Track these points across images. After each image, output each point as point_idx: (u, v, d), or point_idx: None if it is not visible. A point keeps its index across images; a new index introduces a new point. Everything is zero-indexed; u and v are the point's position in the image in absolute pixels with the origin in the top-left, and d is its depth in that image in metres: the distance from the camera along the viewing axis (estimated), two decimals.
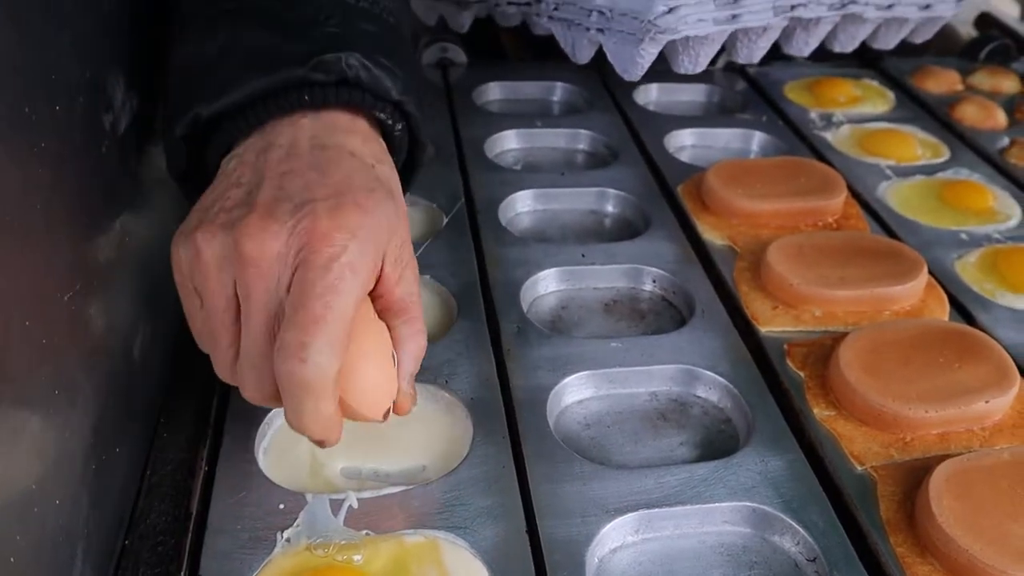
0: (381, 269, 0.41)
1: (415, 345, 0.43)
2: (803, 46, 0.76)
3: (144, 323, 0.47)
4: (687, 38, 0.67)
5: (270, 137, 0.43)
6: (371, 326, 0.41)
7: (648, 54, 0.68)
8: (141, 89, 0.48)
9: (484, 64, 0.91)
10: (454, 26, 0.87)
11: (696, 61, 0.71)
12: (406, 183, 0.49)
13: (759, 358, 0.53)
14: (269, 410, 0.47)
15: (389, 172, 0.44)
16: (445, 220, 0.64)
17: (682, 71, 0.73)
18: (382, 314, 0.43)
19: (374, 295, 0.42)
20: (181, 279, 0.41)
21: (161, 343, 0.50)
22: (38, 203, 0.34)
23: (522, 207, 0.69)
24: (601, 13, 0.69)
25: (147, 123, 0.49)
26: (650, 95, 0.89)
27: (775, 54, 0.84)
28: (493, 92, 0.87)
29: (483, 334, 0.54)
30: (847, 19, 0.75)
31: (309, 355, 0.37)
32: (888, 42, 0.80)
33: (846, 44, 0.77)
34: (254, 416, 0.47)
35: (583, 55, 0.73)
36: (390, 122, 0.46)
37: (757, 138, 0.80)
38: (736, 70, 0.92)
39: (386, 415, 0.42)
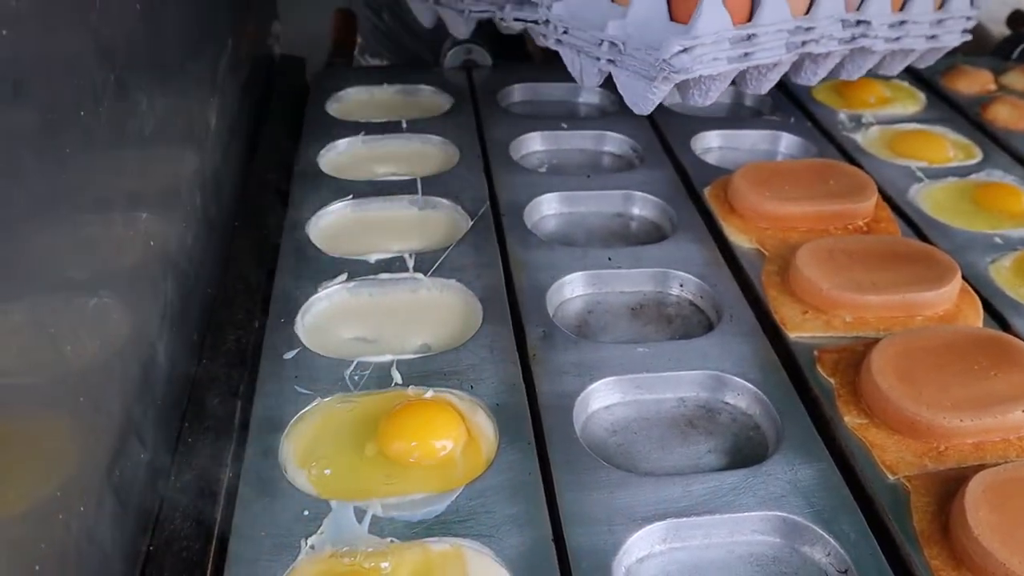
0: None
1: None
2: (812, 76, 0.75)
3: (168, 327, 0.47)
4: (701, 75, 0.67)
5: None
6: None
7: (660, 92, 0.66)
8: (165, 93, 0.48)
9: (509, 66, 0.90)
10: (454, 32, 0.86)
11: (707, 95, 0.70)
12: None
13: (788, 364, 0.52)
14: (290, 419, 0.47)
15: None
16: (470, 223, 0.64)
17: (692, 103, 0.72)
18: None
19: None
20: None
21: (185, 348, 0.50)
22: (63, 208, 0.34)
23: (548, 210, 0.69)
24: (613, 45, 0.67)
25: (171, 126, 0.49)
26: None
27: None
28: (518, 94, 0.87)
29: (509, 339, 0.53)
30: (855, 51, 0.74)
31: None
32: (893, 69, 0.79)
33: (853, 73, 0.76)
34: (279, 421, 0.46)
35: (591, 81, 0.72)
36: None
37: (785, 140, 0.79)
38: None
39: None
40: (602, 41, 0.68)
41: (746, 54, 0.67)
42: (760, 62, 0.69)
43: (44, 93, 0.33)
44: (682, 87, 0.71)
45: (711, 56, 0.65)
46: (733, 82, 0.73)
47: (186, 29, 0.55)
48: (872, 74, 0.83)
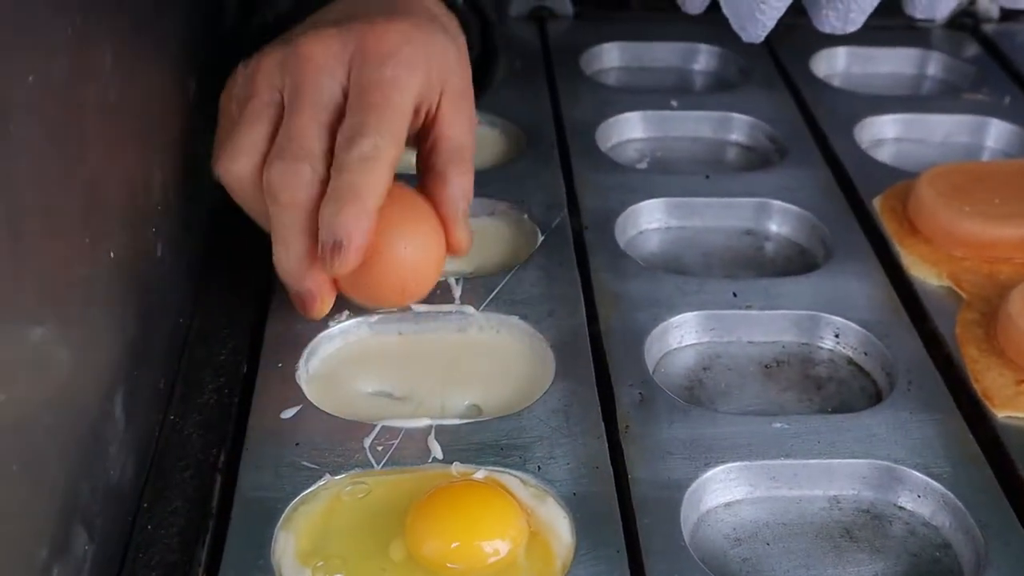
0: (438, 106, 0.57)
1: (461, 179, 0.57)
2: None
3: (128, 372, 0.49)
4: None
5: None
6: (414, 204, 0.56)
7: (772, 8, 0.67)
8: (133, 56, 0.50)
9: (597, 17, 0.92)
10: None
11: (847, 17, 0.71)
12: (481, 82, 0.65)
13: (993, 455, 0.52)
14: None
15: (454, 26, 0.62)
16: (540, 238, 0.65)
17: (827, 30, 0.72)
18: (431, 155, 0.58)
19: (427, 135, 0.58)
20: (226, 101, 0.58)
21: (149, 400, 0.52)
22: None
23: (648, 223, 0.70)
24: None
25: None
26: (835, 64, 0.89)
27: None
28: (610, 57, 0.89)
29: (591, 402, 0.54)
30: None
31: (368, 133, 0.52)
32: None
33: None
34: (272, 506, 0.48)
35: (695, 4, 0.74)
36: None
37: (995, 129, 0.79)
38: (966, 28, 0.91)
39: (408, 297, 0.57)
40: None
41: None
42: None
43: None
44: (812, 6, 0.71)
45: None
46: (897, 14, 0.72)
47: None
48: None
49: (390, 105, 0.54)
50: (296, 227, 0.54)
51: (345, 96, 0.55)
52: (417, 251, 0.56)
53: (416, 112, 0.56)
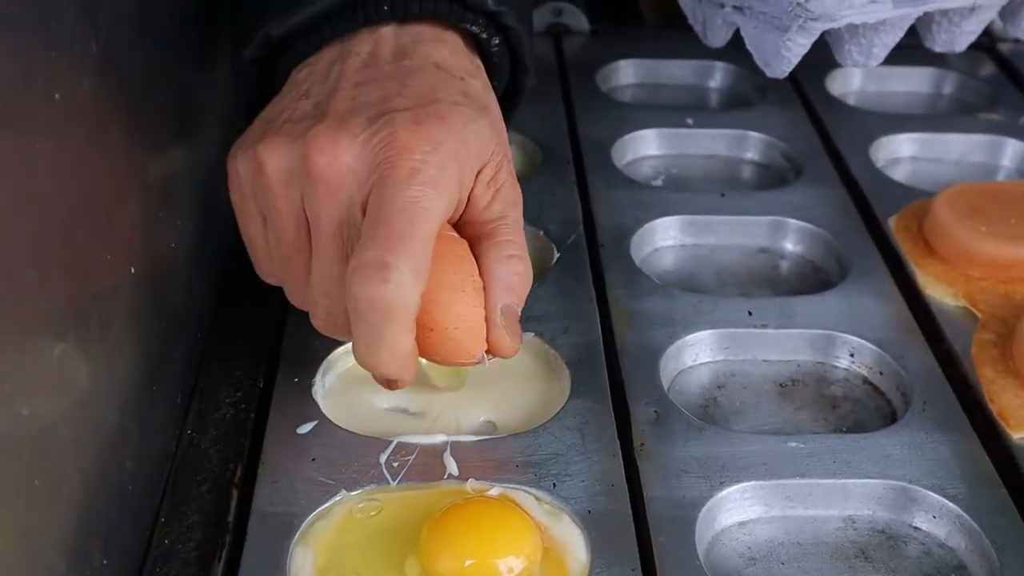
0: (472, 191, 0.50)
1: (505, 270, 0.51)
2: None
3: (145, 387, 0.49)
4: (854, 24, 0.68)
5: (347, 47, 0.53)
6: (457, 263, 0.50)
7: (798, 46, 0.68)
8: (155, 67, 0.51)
9: (613, 33, 0.93)
10: None
11: (869, 52, 0.71)
12: (507, 113, 0.57)
13: (1009, 476, 0.52)
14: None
15: (482, 88, 0.53)
16: (556, 255, 0.66)
17: (850, 65, 0.72)
18: (473, 242, 0.51)
19: (463, 220, 0.51)
20: (240, 200, 0.51)
21: (165, 415, 0.52)
22: (27, 222, 0.37)
23: (664, 240, 0.70)
24: None
25: None
26: (851, 82, 0.89)
27: None
28: (626, 73, 0.89)
29: (606, 420, 0.54)
30: None
31: (391, 275, 0.45)
32: None
33: None
34: (288, 521, 0.48)
35: (717, 37, 0.74)
36: (484, 36, 0.55)
37: (1011, 149, 0.79)
38: (982, 47, 0.91)
39: (475, 359, 0.50)
40: None
41: None
42: (947, 5, 0.69)
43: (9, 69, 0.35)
44: (835, 41, 0.71)
45: None
46: (912, 35, 0.73)
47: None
48: None
49: (415, 231, 0.46)
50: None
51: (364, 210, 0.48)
52: (465, 326, 0.50)
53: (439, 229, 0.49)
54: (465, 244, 0.51)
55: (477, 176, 0.50)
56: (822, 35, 0.69)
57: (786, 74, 0.71)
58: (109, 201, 0.45)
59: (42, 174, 0.38)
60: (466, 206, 0.51)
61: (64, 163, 0.40)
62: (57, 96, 0.38)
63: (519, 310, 0.52)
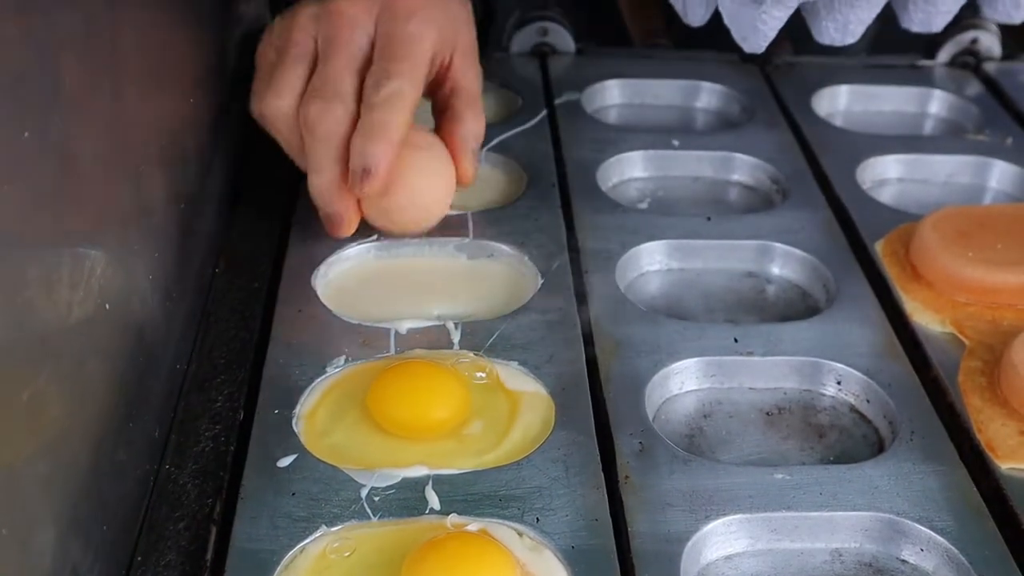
0: (451, 59, 0.67)
1: (474, 121, 0.68)
2: (1012, 9, 0.74)
3: (122, 422, 0.49)
4: None
5: None
6: (427, 144, 0.66)
7: (773, 19, 0.68)
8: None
9: (598, 53, 0.92)
10: None
11: (846, 28, 0.71)
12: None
13: (997, 508, 0.52)
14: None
15: None
16: (540, 282, 0.65)
17: (826, 41, 0.73)
18: (447, 100, 0.68)
19: (441, 83, 0.68)
20: (264, 49, 0.67)
21: (143, 449, 0.52)
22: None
23: (649, 265, 0.70)
24: None
25: None
26: (837, 101, 0.89)
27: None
28: (611, 94, 0.89)
29: (590, 452, 0.54)
30: None
31: (393, 78, 0.62)
32: None
33: None
34: (266, 559, 0.48)
35: (695, 14, 0.74)
36: None
37: (998, 171, 0.79)
38: (969, 66, 0.91)
39: (423, 223, 0.66)
40: None
41: None
42: None
43: None
44: (812, 17, 0.72)
45: None
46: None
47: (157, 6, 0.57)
48: None
49: (412, 55, 0.64)
50: (330, 157, 0.62)
51: (372, 46, 0.64)
52: (431, 180, 0.65)
53: (432, 62, 0.66)
54: (432, 136, 0.67)
55: (455, 48, 0.67)
56: (799, 12, 0.70)
57: (763, 48, 0.71)
58: (82, 235, 0.45)
59: (13, 208, 0.37)
60: (447, 71, 0.68)
61: (36, 197, 0.40)
62: (26, 135, 0.38)
63: (478, 146, 0.68)
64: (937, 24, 0.74)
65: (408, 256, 0.68)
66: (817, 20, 0.72)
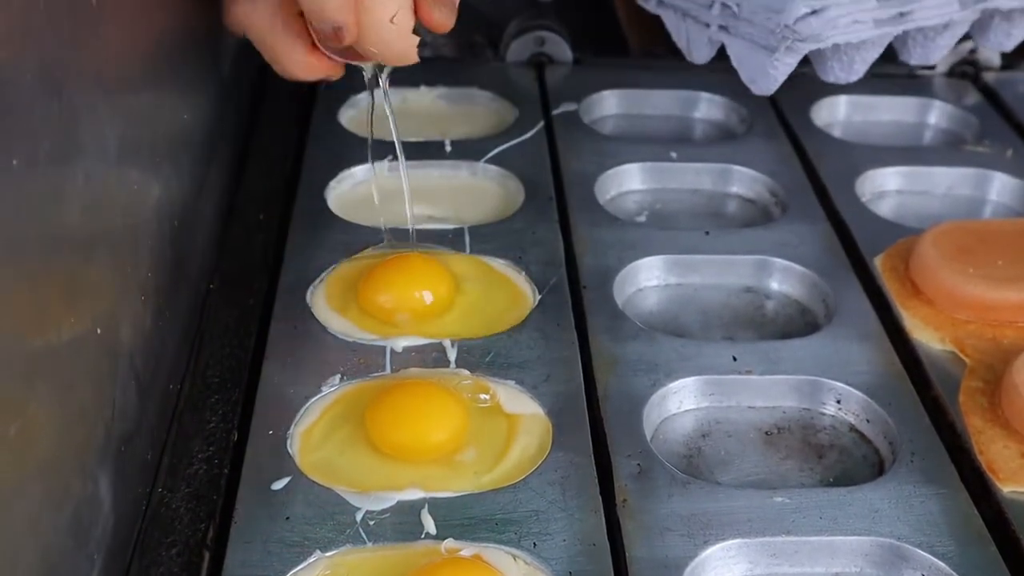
0: None
1: None
2: (1004, 39, 0.76)
3: (114, 448, 0.48)
4: (838, 43, 0.70)
5: None
6: None
7: (784, 65, 0.70)
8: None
9: (596, 63, 0.92)
10: None
11: (851, 68, 0.73)
12: None
13: (1000, 532, 0.52)
14: None
15: None
16: (537, 298, 0.65)
17: (831, 80, 0.75)
18: None
19: None
20: None
21: (135, 473, 0.51)
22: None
23: (647, 280, 0.69)
24: (726, 6, 0.72)
25: None
26: (836, 112, 0.88)
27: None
28: (609, 105, 0.88)
29: (587, 474, 0.53)
30: None
31: None
32: None
33: None
34: None
35: (701, 54, 0.76)
36: None
37: (998, 183, 0.79)
38: (968, 76, 0.91)
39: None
40: (713, 2, 0.73)
41: (901, 15, 0.69)
42: (922, 24, 0.71)
43: None
44: (817, 59, 0.74)
45: (850, 19, 0.68)
46: (890, 51, 0.75)
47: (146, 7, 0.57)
48: None
49: None
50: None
51: None
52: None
53: None
54: None
55: None
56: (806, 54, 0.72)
57: (772, 91, 0.74)
58: (73, 259, 0.44)
59: (3, 234, 0.37)
60: None
61: (25, 219, 0.39)
62: (15, 162, 0.37)
63: None
64: (934, 58, 0.77)
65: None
66: (823, 62, 0.74)
